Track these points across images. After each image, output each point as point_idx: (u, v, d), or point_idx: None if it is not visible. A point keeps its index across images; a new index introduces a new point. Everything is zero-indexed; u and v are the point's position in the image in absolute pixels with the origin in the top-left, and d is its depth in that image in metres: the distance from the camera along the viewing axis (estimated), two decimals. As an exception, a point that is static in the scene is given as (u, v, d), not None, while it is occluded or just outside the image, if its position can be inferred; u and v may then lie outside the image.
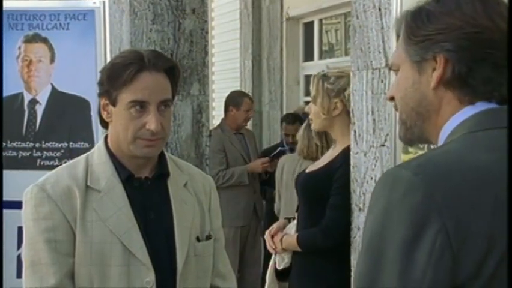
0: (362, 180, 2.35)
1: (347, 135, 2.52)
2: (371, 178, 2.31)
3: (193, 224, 1.71)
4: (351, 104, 2.41)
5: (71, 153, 3.94)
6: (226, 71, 7.51)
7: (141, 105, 1.61)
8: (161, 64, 1.63)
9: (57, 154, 3.99)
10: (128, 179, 1.68)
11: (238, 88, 7.00)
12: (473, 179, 1.01)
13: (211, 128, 4.42)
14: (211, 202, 1.78)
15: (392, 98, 1.23)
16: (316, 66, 6.30)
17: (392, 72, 2.16)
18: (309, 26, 6.73)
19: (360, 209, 2.36)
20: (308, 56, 6.79)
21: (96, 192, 1.63)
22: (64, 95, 3.99)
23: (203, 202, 1.76)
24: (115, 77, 1.60)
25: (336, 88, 2.55)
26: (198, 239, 1.72)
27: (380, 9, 2.25)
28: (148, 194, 1.69)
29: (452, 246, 0.98)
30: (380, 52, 2.26)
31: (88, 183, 1.64)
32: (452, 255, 0.98)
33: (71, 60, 3.96)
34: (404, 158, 2.02)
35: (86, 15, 4.03)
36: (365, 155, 2.34)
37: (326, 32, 6.71)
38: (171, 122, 1.73)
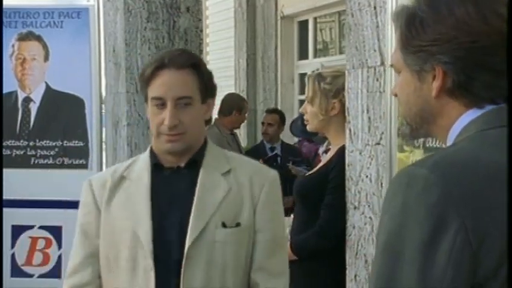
0: (357, 178, 2.35)
1: (341, 135, 2.50)
2: (366, 176, 2.31)
3: (220, 210, 1.69)
4: (347, 103, 2.41)
5: (66, 152, 3.93)
6: (220, 70, 7.49)
7: (162, 102, 1.68)
8: (182, 61, 1.68)
9: (52, 153, 3.97)
10: (158, 169, 1.75)
11: (233, 86, 6.99)
12: (487, 178, 1.01)
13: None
14: (262, 194, 1.73)
15: (396, 95, 1.22)
16: (310, 64, 6.30)
17: (387, 70, 2.16)
18: (303, 25, 6.74)
19: (355, 208, 2.36)
20: (303, 55, 6.79)
21: (128, 181, 1.75)
22: (58, 93, 3.97)
23: (247, 191, 1.72)
24: (141, 76, 1.73)
25: (334, 88, 2.52)
26: (224, 225, 1.69)
27: (375, 8, 2.25)
28: (176, 182, 1.74)
29: (472, 245, 0.97)
30: (375, 50, 2.26)
31: (124, 174, 1.76)
32: (471, 255, 0.97)
33: (65, 59, 3.94)
34: (399, 156, 2.02)
35: (80, 13, 4.01)
36: (360, 153, 2.34)
37: (321, 30, 6.71)
38: (197, 118, 1.72)
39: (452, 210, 0.98)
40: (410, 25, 1.13)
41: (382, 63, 2.23)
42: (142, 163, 1.78)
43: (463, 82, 1.10)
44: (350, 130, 2.39)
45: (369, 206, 2.31)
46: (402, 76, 1.18)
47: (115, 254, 1.72)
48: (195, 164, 1.75)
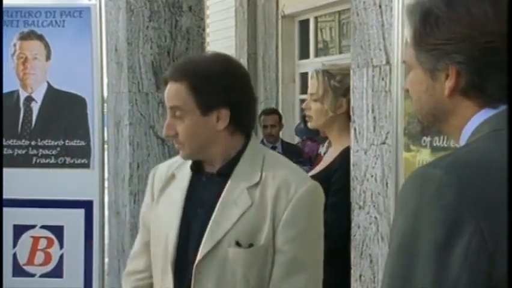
0: (363, 178, 2.34)
1: (344, 136, 2.48)
2: (372, 176, 2.30)
3: (235, 227, 1.62)
4: (352, 102, 2.40)
5: (67, 151, 3.91)
6: (221, 69, 7.48)
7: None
8: (177, 74, 1.67)
9: (53, 152, 3.96)
10: (198, 172, 1.74)
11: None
12: (501, 178, 0.99)
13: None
14: (286, 212, 1.60)
15: (408, 90, 1.21)
16: (311, 64, 6.30)
17: (394, 69, 2.15)
18: (304, 24, 6.73)
19: (360, 207, 2.35)
20: (304, 54, 6.79)
21: (175, 180, 1.77)
22: (59, 92, 3.95)
23: (270, 208, 1.61)
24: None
25: (343, 87, 2.50)
26: (237, 244, 1.61)
27: (380, 6, 2.24)
28: (207, 189, 1.71)
29: (488, 247, 0.96)
30: (380, 49, 2.25)
31: (175, 172, 1.78)
32: (488, 257, 0.96)
33: (67, 58, 3.92)
34: (405, 156, 2.01)
35: (82, 13, 3.99)
36: (365, 153, 2.34)
37: (322, 29, 6.70)
38: (194, 130, 1.65)
39: (467, 212, 0.97)
40: (425, 22, 1.11)
41: (387, 62, 2.22)
42: (189, 163, 1.76)
43: (477, 83, 1.09)
44: (355, 130, 2.38)
45: (374, 205, 2.30)
46: (415, 73, 1.16)
47: (154, 251, 1.76)
48: (226, 173, 1.69)
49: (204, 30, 4.05)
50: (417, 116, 1.19)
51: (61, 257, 3.94)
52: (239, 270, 1.62)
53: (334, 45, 6.76)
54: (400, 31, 2.00)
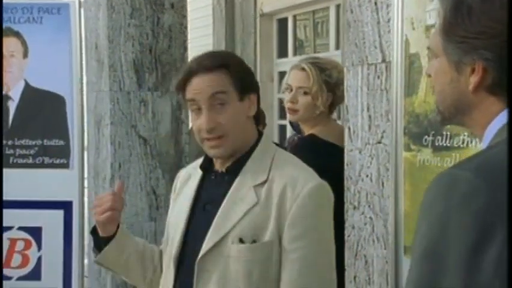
0: (357, 178, 2.31)
1: (325, 131, 2.49)
2: (367, 176, 2.27)
3: (239, 224, 1.62)
4: (345, 101, 2.37)
5: (46, 151, 3.83)
6: (198, 67, 7.42)
7: (198, 107, 1.65)
8: (210, 63, 1.66)
9: (31, 152, 3.87)
10: (208, 171, 1.75)
11: (211, 85, 6.92)
12: None
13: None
14: (292, 209, 1.59)
15: (430, 76, 1.18)
16: (290, 62, 6.25)
17: (393, 68, 2.12)
18: (283, 22, 6.70)
19: (355, 208, 2.33)
20: (282, 53, 6.75)
21: (190, 180, 1.80)
22: (37, 91, 3.87)
23: (275, 206, 1.60)
24: (177, 85, 1.70)
25: (333, 82, 2.52)
26: (241, 241, 1.61)
27: (376, 3, 2.21)
28: (215, 188, 1.72)
29: None
30: (376, 47, 2.23)
31: (191, 172, 1.81)
32: None
33: (45, 55, 3.84)
34: (405, 155, 1.99)
35: (60, 9, 3.91)
36: (360, 152, 2.31)
37: (300, 28, 6.68)
38: (237, 117, 1.66)
39: (499, 218, 0.93)
40: (456, 12, 1.07)
41: (383, 60, 2.19)
42: (200, 161, 1.79)
43: (503, 81, 1.05)
44: (349, 129, 2.35)
45: (369, 206, 2.27)
46: (439, 63, 1.12)
47: (166, 244, 1.79)
48: (235, 171, 1.69)
49: (186, 27, 4.00)
50: (438, 107, 1.15)
51: (39, 259, 3.87)
52: (242, 267, 1.61)
53: (309, 44, 6.75)
54: (400, 28, 1.97)
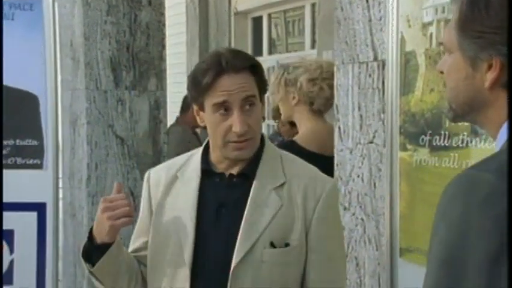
0: (348, 178, 2.27)
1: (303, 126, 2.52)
2: (358, 176, 2.24)
3: (269, 228, 1.59)
4: (336, 100, 2.33)
5: (18, 151, 3.71)
6: (171, 66, 7.32)
7: (225, 108, 1.60)
8: (240, 64, 1.60)
9: (4, 152, 3.75)
10: (208, 174, 1.67)
11: (185, 84, 6.84)
12: None
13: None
14: (316, 210, 1.60)
15: (442, 72, 1.13)
16: (265, 61, 6.22)
17: (381, 66, 2.09)
18: (257, 21, 6.65)
19: (345, 208, 2.28)
20: (257, 51, 6.70)
21: (179, 182, 1.70)
22: (9, 89, 3.74)
23: (300, 208, 1.61)
24: (197, 84, 1.61)
25: (291, 77, 2.54)
26: (272, 245, 1.58)
27: (367, 1, 2.18)
28: (226, 190, 1.65)
29: None
30: (367, 45, 2.19)
31: (178, 174, 1.71)
32: None
33: (18, 53, 3.71)
34: (401, 155, 1.95)
35: (33, 5, 3.79)
36: (350, 152, 2.27)
37: (276, 26, 6.64)
38: (260, 119, 1.66)
39: None
40: (473, 5, 1.02)
41: (375, 59, 2.15)
42: (194, 165, 1.70)
43: None
44: (339, 128, 2.31)
45: (361, 206, 2.23)
46: (454, 59, 1.08)
47: (160, 258, 1.67)
48: (248, 174, 1.64)
49: (164, 25, 3.92)
50: (451, 104, 1.11)
51: (11, 262, 3.74)
52: (275, 272, 1.59)
53: (281, 43, 6.71)
54: (395, 26, 1.93)
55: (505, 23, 1.00)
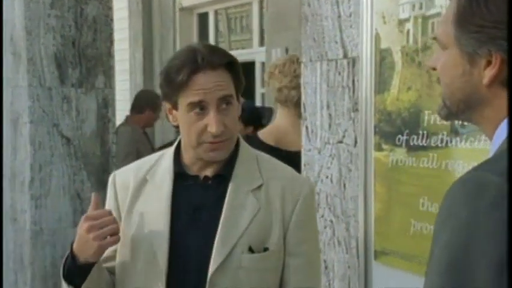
0: (316, 179, 2.20)
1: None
2: (327, 177, 2.17)
3: (247, 233, 1.52)
4: (303, 98, 2.25)
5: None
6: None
7: (201, 107, 1.50)
8: (217, 60, 1.50)
9: None
10: (182, 177, 1.58)
11: (128, 82, 6.66)
12: None
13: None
14: (294, 213, 1.54)
15: (434, 69, 1.07)
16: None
17: (351, 64, 2.02)
18: (203, 17, 6.53)
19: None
20: (202, 49, 6.58)
21: (150, 185, 1.60)
22: None
23: (278, 211, 1.54)
24: (170, 81, 1.51)
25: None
26: (250, 250, 1.51)
27: (336, -3, 2.11)
28: (201, 193, 1.56)
29: None
30: (336, 42, 2.12)
31: (147, 176, 1.61)
32: None
33: (-47, 47, 3.50)
34: (376, 155, 1.89)
35: (-31, -3, 3.58)
36: (319, 152, 2.19)
37: (222, 23, 6.53)
38: (236, 119, 1.57)
39: None
40: None
41: (345, 56, 2.09)
42: (165, 167, 1.59)
43: None
44: (306, 128, 2.23)
45: (330, 208, 2.16)
46: (449, 54, 1.03)
47: (131, 263, 1.58)
48: (223, 176, 1.55)
49: (112, 20, 3.75)
50: (445, 101, 1.05)
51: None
52: (254, 278, 1.52)
53: (224, 40, 6.62)
54: (369, 22, 1.86)
55: (506, 17, 0.95)
